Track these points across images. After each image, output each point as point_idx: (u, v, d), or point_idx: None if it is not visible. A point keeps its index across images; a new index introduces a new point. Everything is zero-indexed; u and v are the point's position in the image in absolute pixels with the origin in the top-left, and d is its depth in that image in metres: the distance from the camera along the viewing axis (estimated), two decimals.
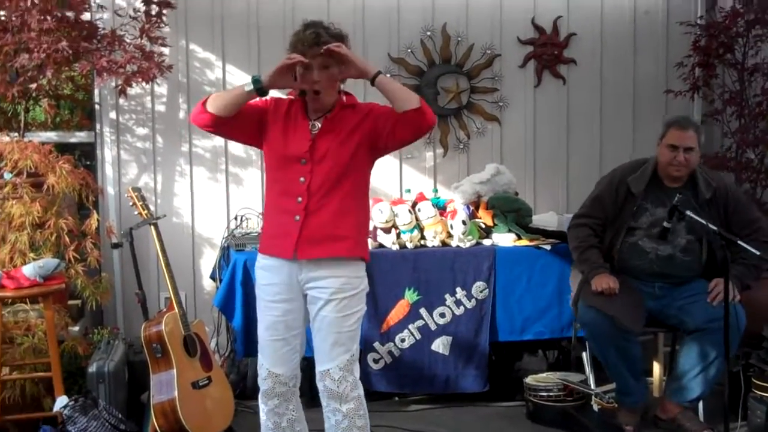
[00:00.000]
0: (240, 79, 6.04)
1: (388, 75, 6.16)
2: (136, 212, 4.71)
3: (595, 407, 4.98)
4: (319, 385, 3.83)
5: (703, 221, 4.41)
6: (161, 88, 5.99)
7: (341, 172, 3.67)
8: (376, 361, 5.32)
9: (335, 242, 3.69)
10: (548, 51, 6.62)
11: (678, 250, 4.86)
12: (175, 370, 4.40)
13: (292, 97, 3.80)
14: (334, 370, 3.76)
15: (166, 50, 5.59)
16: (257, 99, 3.68)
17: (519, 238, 5.63)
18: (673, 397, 4.89)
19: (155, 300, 5.81)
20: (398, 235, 5.42)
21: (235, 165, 6.14)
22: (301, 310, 3.82)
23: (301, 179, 3.67)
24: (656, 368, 5.64)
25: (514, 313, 5.47)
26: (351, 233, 3.72)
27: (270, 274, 3.78)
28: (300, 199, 3.67)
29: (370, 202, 6.07)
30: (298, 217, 3.67)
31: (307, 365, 5.25)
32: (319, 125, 3.70)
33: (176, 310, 4.56)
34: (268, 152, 3.78)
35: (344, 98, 3.77)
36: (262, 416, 3.92)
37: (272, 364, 3.85)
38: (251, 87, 3.58)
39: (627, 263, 4.97)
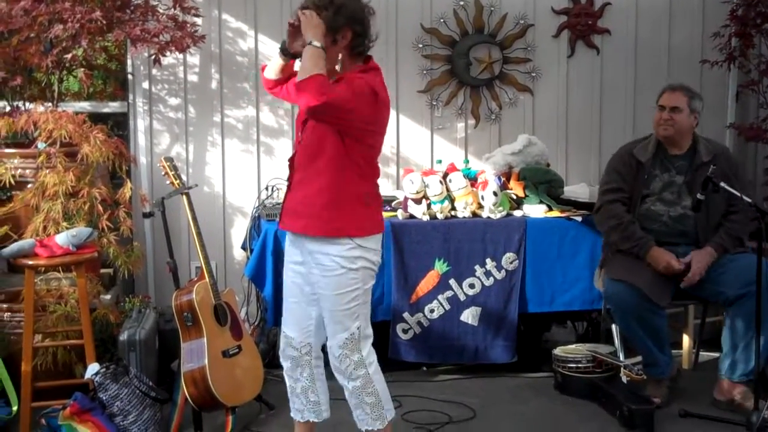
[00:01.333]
0: (272, 49, 6.05)
1: (420, 45, 6.22)
2: (168, 182, 4.72)
3: (624, 379, 4.98)
4: (330, 358, 3.88)
5: (738, 193, 4.54)
6: (194, 58, 6.00)
7: (314, 149, 3.66)
8: (405, 332, 5.34)
9: (298, 219, 3.73)
10: (582, 21, 6.55)
11: (688, 209, 4.91)
12: (205, 339, 4.42)
13: None
14: (333, 347, 3.80)
15: (198, 20, 5.59)
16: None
17: (550, 209, 5.62)
18: (729, 374, 4.88)
19: (186, 269, 5.84)
20: (429, 206, 5.41)
21: (267, 135, 6.14)
22: (310, 279, 3.82)
23: (294, 153, 3.80)
24: (686, 340, 5.64)
25: (544, 284, 5.47)
26: (315, 212, 3.68)
27: (290, 234, 3.88)
28: (289, 171, 3.81)
29: (400, 172, 6.12)
30: (286, 189, 3.83)
31: None
32: None
33: (207, 279, 4.57)
34: None
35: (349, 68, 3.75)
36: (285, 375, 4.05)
37: (285, 324, 3.98)
38: (313, 47, 3.54)
39: (645, 229, 5.02)
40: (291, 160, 3.82)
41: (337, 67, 3.72)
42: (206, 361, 4.37)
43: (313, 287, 3.79)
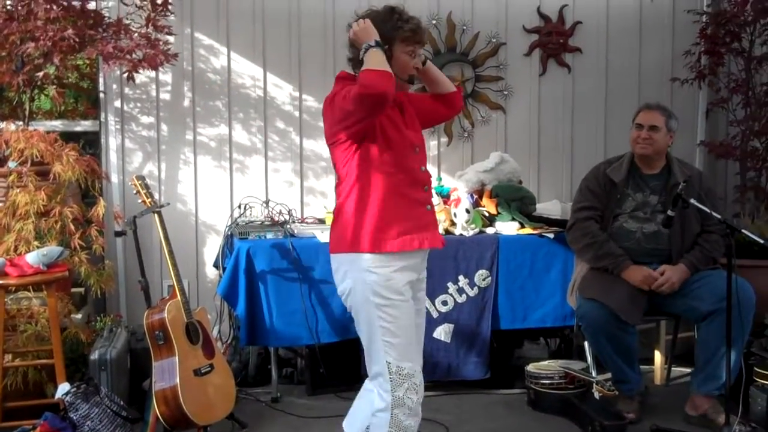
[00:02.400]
0: (243, 66, 6.08)
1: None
2: (140, 200, 4.72)
3: (596, 395, 5.00)
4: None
5: (708, 209, 4.59)
6: (166, 76, 6.00)
7: None
8: None
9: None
10: (554, 39, 6.60)
11: (661, 225, 4.93)
12: (177, 358, 4.41)
13: None
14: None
15: (171, 38, 5.58)
16: None
17: (522, 226, 5.64)
18: (701, 388, 4.91)
19: (158, 288, 5.84)
20: None
21: (240, 153, 6.14)
22: None
23: (422, 168, 3.74)
24: (658, 356, 5.67)
25: (516, 301, 5.48)
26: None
27: (408, 273, 3.65)
28: (426, 187, 3.75)
29: None
30: (429, 207, 3.77)
31: (309, 352, 5.34)
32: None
33: (179, 297, 4.57)
34: None
35: None
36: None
37: (420, 364, 3.68)
38: (372, 49, 3.48)
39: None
40: (413, 176, 3.64)
41: None
42: (178, 379, 4.35)
43: (419, 310, 3.76)
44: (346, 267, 3.58)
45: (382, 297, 3.51)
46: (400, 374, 3.53)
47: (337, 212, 3.65)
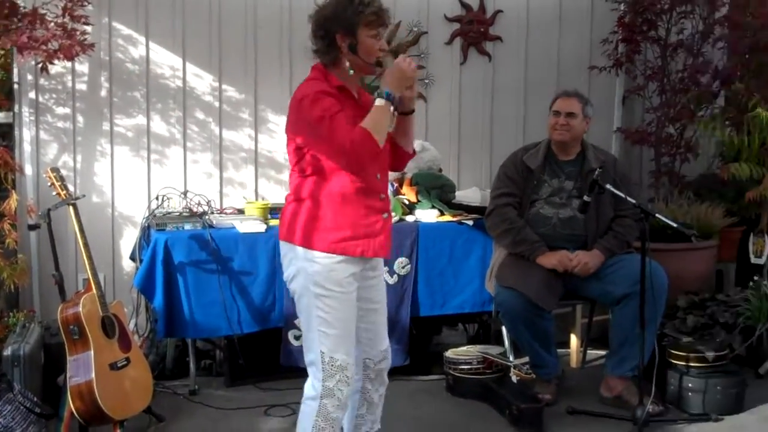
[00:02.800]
0: (162, 56, 6.04)
1: None
2: (54, 193, 4.64)
3: (514, 378, 5.05)
4: (382, 364, 3.89)
5: (623, 194, 4.73)
6: (82, 67, 5.90)
7: None
8: (297, 338, 5.30)
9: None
10: (474, 28, 6.64)
11: (576, 210, 5.02)
12: (92, 352, 4.34)
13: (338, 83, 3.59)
14: (386, 351, 3.91)
15: (88, 28, 5.48)
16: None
17: (442, 213, 5.68)
18: (615, 370, 5.00)
19: (73, 281, 5.74)
20: None
21: (158, 144, 6.08)
22: None
23: (378, 175, 3.67)
24: (574, 340, 5.76)
25: (436, 288, 5.52)
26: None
27: (351, 266, 3.63)
28: (383, 195, 3.73)
29: None
30: (385, 215, 3.74)
31: (228, 343, 5.32)
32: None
33: (94, 291, 4.50)
34: None
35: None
36: (332, 426, 3.64)
37: (350, 353, 3.67)
38: (387, 102, 3.44)
39: (534, 232, 5.11)
40: (368, 183, 3.59)
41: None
42: (93, 374, 4.29)
43: (380, 297, 3.83)
44: (291, 254, 3.60)
45: (322, 287, 3.53)
46: (332, 365, 3.55)
47: (289, 201, 3.67)
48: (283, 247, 3.65)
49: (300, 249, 3.55)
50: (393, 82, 3.48)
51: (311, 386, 3.62)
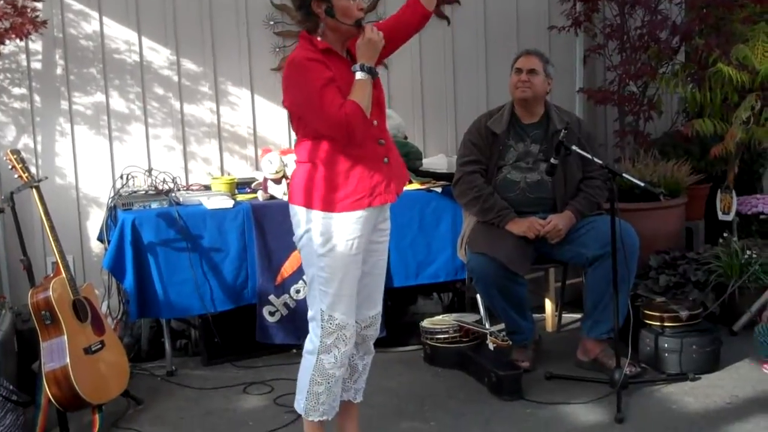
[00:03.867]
0: (117, 31, 5.90)
1: (272, 22, 6.15)
2: (16, 175, 4.55)
3: (491, 346, 5.04)
4: (369, 331, 3.91)
5: (589, 155, 4.71)
6: (36, 45, 5.75)
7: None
8: (272, 314, 5.29)
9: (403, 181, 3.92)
10: None
11: (544, 174, 5.02)
12: (65, 337, 4.29)
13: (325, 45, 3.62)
14: (377, 316, 3.94)
15: (39, 5, 5.35)
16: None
17: (410, 182, 5.64)
18: (591, 333, 5.02)
19: (42, 265, 5.64)
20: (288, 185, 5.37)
21: (118, 121, 5.95)
22: None
23: (374, 122, 3.67)
24: (548, 304, 5.78)
25: (408, 257, 5.50)
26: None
27: (358, 227, 3.67)
28: (382, 141, 3.71)
29: (258, 152, 6.07)
30: (386, 159, 3.72)
31: (203, 322, 5.27)
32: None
33: (63, 274, 4.44)
34: None
35: None
36: (328, 381, 3.73)
37: (353, 317, 3.76)
38: (368, 75, 3.52)
39: (502, 198, 5.11)
40: (372, 135, 3.64)
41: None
42: (68, 359, 4.24)
43: (380, 257, 3.86)
44: (299, 216, 3.67)
45: (324, 247, 3.60)
46: (331, 323, 3.64)
47: (296, 168, 3.75)
48: (292, 209, 3.72)
49: (308, 210, 3.63)
50: (366, 53, 3.54)
51: (310, 340, 3.73)
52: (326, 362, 3.68)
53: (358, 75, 3.52)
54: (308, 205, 3.62)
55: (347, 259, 3.63)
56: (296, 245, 3.76)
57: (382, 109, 3.74)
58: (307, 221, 3.64)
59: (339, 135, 3.50)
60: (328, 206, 3.59)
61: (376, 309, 3.89)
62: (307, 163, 3.65)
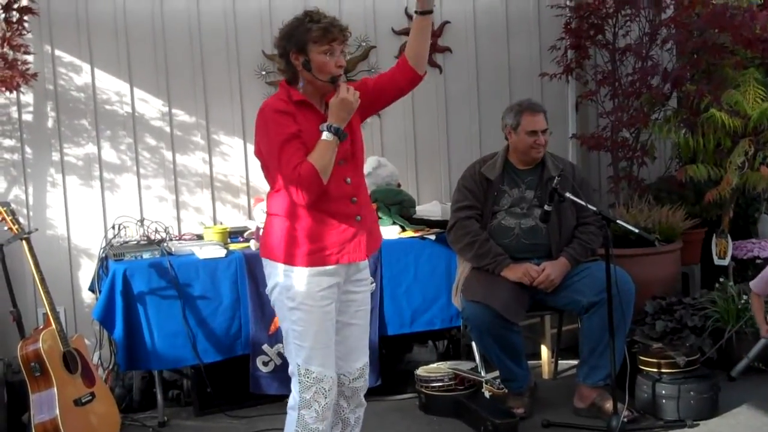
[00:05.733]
0: (108, 83, 5.90)
1: (263, 72, 6.16)
2: (5, 228, 4.54)
3: (487, 394, 5.00)
4: (357, 383, 3.84)
5: (583, 202, 4.73)
6: (27, 97, 5.74)
7: (361, 164, 3.82)
8: (265, 364, 5.23)
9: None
10: None
11: (538, 220, 4.99)
12: (55, 389, 4.29)
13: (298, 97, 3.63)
14: (363, 369, 3.86)
15: (30, 57, 5.37)
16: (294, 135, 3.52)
17: (404, 229, 5.63)
18: (587, 379, 4.98)
19: (33, 317, 5.59)
20: None
21: (110, 172, 5.94)
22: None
23: (347, 179, 3.66)
24: (544, 351, 5.73)
25: (403, 305, 5.46)
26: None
27: (327, 278, 3.63)
28: (354, 199, 3.66)
29: (251, 202, 6.06)
30: (359, 218, 3.68)
31: (195, 372, 5.21)
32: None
33: (54, 326, 4.43)
34: None
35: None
36: None
37: (331, 368, 3.68)
38: (334, 137, 3.49)
39: (497, 244, 5.09)
40: (336, 192, 3.61)
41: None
42: (57, 411, 4.25)
43: (357, 309, 3.82)
44: (269, 270, 3.69)
45: (295, 301, 3.58)
46: (308, 377, 3.60)
47: (266, 219, 3.76)
48: (264, 261, 3.72)
49: (275, 263, 3.62)
50: (338, 114, 3.53)
51: (292, 396, 3.68)
52: (308, 417, 3.61)
53: (324, 135, 3.48)
54: (277, 258, 3.61)
55: (318, 312, 3.59)
56: (270, 298, 3.73)
57: (358, 165, 3.72)
58: (275, 275, 3.62)
59: (294, 192, 3.49)
60: (294, 260, 3.57)
61: (362, 360, 3.85)
62: (277, 216, 3.64)
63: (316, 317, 3.59)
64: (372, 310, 5.16)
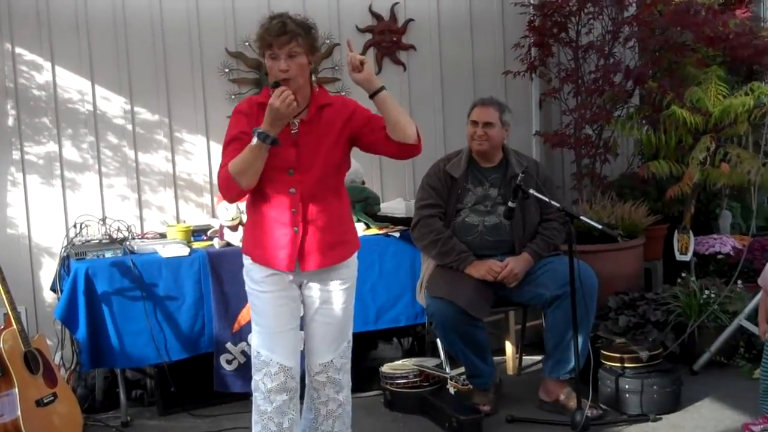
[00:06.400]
0: (70, 81, 5.84)
1: (227, 70, 6.12)
2: None
3: (452, 390, 5.00)
4: (319, 378, 3.92)
5: (546, 198, 4.76)
6: None
7: (331, 179, 3.81)
8: (229, 362, 5.21)
9: (330, 252, 3.80)
10: (387, 38, 6.59)
11: (502, 217, 4.99)
12: (16, 389, 4.26)
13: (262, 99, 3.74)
14: (336, 359, 3.93)
15: None
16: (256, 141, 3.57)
17: (368, 227, 5.63)
18: (552, 373, 5.01)
19: None
20: None
21: (71, 170, 5.88)
22: (299, 303, 3.89)
23: (291, 190, 3.71)
24: (509, 346, 5.75)
25: (368, 303, 5.45)
26: (344, 237, 3.87)
27: (265, 268, 3.80)
28: (294, 210, 3.71)
29: (215, 200, 6.02)
30: (296, 229, 3.72)
31: (158, 371, 5.17)
32: (296, 128, 3.72)
33: (14, 326, 4.39)
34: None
35: (317, 91, 3.82)
36: (261, 418, 3.84)
37: (284, 357, 3.80)
38: (259, 142, 3.53)
39: (461, 241, 5.10)
40: (278, 199, 3.74)
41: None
42: (18, 412, 4.21)
43: (319, 307, 3.87)
44: None
45: (249, 285, 3.87)
46: (258, 359, 3.81)
47: None
48: None
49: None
50: (266, 118, 3.55)
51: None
52: (258, 399, 3.82)
53: (253, 139, 3.54)
54: (242, 246, 3.91)
55: (264, 298, 3.81)
56: None
57: (315, 178, 3.75)
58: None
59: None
60: (248, 251, 3.86)
61: (325, 358, 3.91)
62: (245, 212, 3.93)
63: (263, 303, 3.81)
64: None
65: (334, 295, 3.87)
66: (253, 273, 3.83)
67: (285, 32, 3.60)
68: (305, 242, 3.73)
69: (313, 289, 3.85)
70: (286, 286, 3.81)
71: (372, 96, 3.72)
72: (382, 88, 3.72)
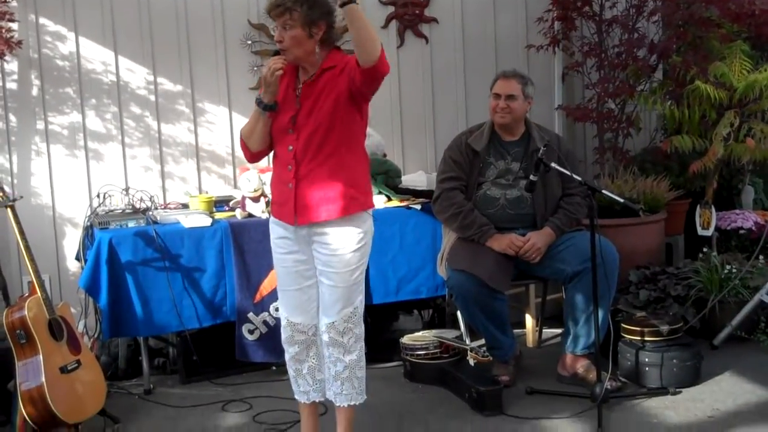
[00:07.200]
0: (93, 51, 5.87)
1: (249, 42, 6.12)
2: None
3: (471, 362, 5.00)
4: (324, 336, 3.99)
5: (568, 172, 4.71)
6: (11, 65, 5.71)
7: (323, 134, 3.79)
8: (251, 332, 5.25)
9: (320, 208, 3.83)
10: (410, 11, 6.58)
11: (524, 190, 4.97)
12: (41, 356, 4.26)
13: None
14: (338, 322, 3.94)
15: (14, 25, 5.35)
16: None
17: (389, 199, 5.64)
18: (571, 348, 5.02)
19: (18, 285, 5.60)
20: (267, 204, 5.34)
21: (94, 141, 5.91)
22: (312, 262, 3.96)
23: (289, 148, 3.85)
24: (529, 320, 5.76)
25: (389, 274, 5.48)
26: (337, 195, 3.82)
27: (280, 229, 3.98)
28: (290, 167, 3.84)
29: (236, 171, 6.04)
30: (291, 185, 3.84)
31: (181, 340, 5.21)
32: (299, 91, 3.88)
33: (39, 293, 4.41)
34: None
35: (329, 55, 3.87)
36: (288, 362, 4.15)
37: (290, 312, 4.05)
38: (256, 107, 3.90)
39: (482, 214, 5.11)
40: (282, 157, 3.92)
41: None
42: (43, 378, 4.21)
43: (322, 269, 3.92)
44: None
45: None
46: (281, 317, 4.15)
47: None
48: None
49: None
50: (263, 86, 3.87)
51: None
52: (286, 354, 4.15)
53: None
54: None
55: (278, 261, 4.04)
56: None
57: (308, 136, 3.83)
58: None
59: None
60: (271, 208, 4.11)
61: (327, 319, 3.98)
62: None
63: (275, 263, 4.08)
64: None
65: (336, 259, 3.88)
66: (272, 233, 4.03)
67: (278, 5, 3.72)
68: (297, 197, 3.83)
69: (318, 250, 3.91)
70: (293, 250, 3.95)
71: (342, 5, 3.48)
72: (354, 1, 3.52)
